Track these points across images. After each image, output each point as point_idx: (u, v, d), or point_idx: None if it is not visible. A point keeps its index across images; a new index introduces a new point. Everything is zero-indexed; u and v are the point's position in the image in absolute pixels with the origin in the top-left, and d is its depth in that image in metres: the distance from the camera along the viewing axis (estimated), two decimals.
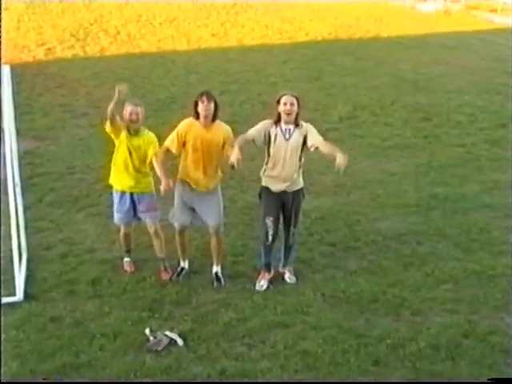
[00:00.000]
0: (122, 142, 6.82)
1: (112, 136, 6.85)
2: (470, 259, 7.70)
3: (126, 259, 7.41)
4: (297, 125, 6.67)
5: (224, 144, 6.72)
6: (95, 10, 23.37)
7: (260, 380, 5.55)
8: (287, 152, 6.66)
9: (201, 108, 6.60)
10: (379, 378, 5.62)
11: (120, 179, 6.99)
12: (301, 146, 6.66)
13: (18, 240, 6.90)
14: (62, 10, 23.09)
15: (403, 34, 22.77)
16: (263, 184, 6.93)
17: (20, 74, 14.56)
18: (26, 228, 7.63)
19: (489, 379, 5.39)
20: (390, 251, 7.89)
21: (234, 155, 6.15)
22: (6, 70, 6.79)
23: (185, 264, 7.35)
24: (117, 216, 7.17)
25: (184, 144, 6.76)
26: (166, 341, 6.00)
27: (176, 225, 7.16)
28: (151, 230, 7.20)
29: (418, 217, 8.87)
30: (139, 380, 5.53)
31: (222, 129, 6.77)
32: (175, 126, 6.85)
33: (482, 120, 13.54)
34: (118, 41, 19.90)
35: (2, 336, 6.04)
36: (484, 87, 16.45)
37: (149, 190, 7.08)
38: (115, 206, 7.13)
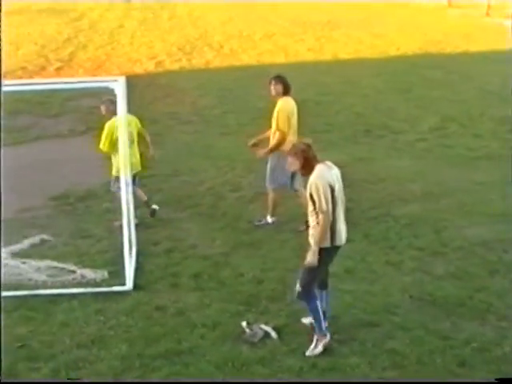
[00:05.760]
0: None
1: None
2: None
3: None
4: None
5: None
6: (200, 27, 23.88)
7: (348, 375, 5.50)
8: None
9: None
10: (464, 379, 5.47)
11: None
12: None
13: (129, 235, 7.11)
14: (170, 27, 23.75)
15: (492, 49, 21.97)
16: None
17: (133, 84, 14.90)
18: (137, 224, 7.85)
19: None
20: (476, 258, 7.63)
21: None
22: (122, 81, 7.00)
23: (271, 219, 8.30)
24: None
25: None
26: (261, 333, 6.03)
27: (276, 184, 8.22)
28: None
29: (504, 225, 8.51)
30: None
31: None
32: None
33: None
34: (221, 54, 20.20)
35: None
36: None
37: None
38: None
